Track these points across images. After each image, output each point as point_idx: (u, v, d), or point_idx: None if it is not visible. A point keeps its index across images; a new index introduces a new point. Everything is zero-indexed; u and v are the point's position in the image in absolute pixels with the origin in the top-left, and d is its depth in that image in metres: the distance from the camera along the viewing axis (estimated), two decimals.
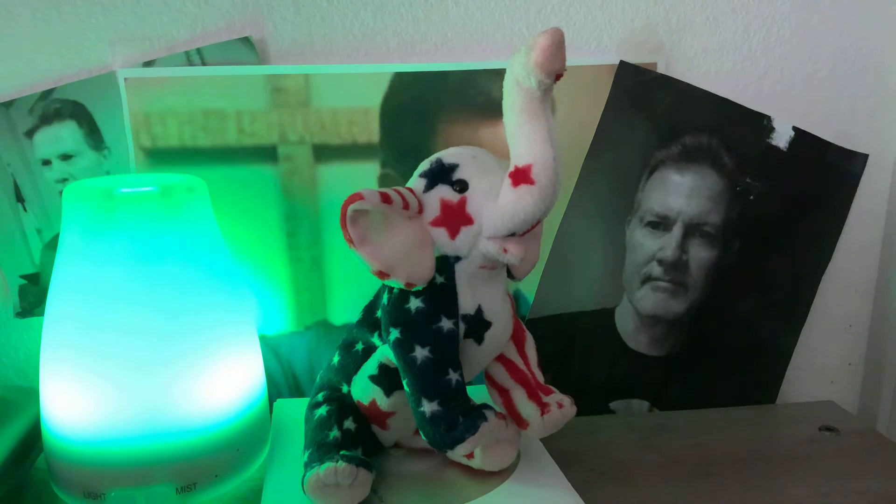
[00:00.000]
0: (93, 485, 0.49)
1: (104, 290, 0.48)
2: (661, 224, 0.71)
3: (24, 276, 0.66)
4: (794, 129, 0.70)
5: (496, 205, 0.46)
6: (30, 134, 0.64)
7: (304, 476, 0.47)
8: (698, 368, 0.75)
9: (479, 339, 0.50)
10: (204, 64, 0.64)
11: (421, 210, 0.48)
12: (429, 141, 0.67)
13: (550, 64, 0.42)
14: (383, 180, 0.67)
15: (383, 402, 0.51)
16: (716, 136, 0.70)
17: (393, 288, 0.49)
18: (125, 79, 0.63)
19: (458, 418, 0.47)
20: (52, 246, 0.65)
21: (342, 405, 0.52)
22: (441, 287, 0.48)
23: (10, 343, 0.68)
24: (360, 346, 0.52)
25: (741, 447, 0.65)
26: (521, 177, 0.45)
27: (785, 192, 0.72)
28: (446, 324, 0.48)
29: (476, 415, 0.47)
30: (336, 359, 0.54)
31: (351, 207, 0.45)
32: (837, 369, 0.79)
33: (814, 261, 0.74)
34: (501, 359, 0.53)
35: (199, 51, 0.64)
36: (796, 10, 0.70)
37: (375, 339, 0.51)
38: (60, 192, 0.57)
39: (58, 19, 0.62)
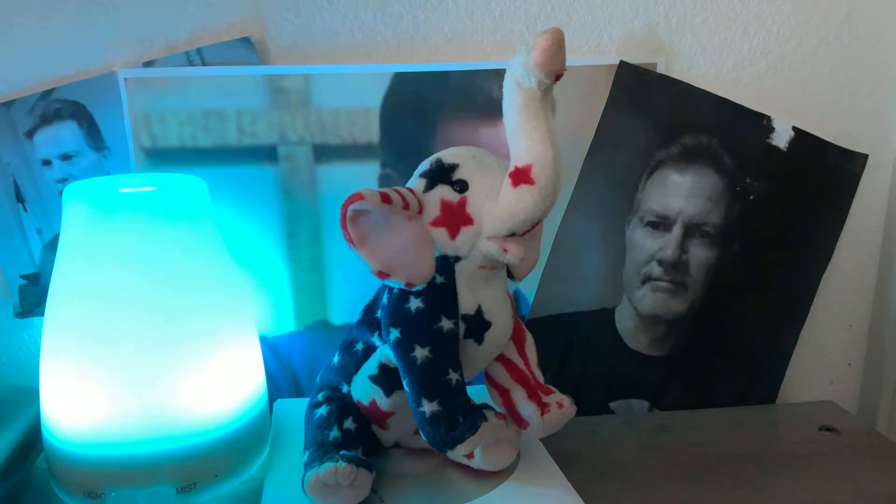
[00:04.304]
0: (93, 485, 0.49)
1: (104, 290, 0.48)
2: (661, 224, 0.71)
3: (24, 276, 0.66)
4: (794, 129, 0.70)
5: (496, 205, 0.46)
6: (30, 134, 0.64)
7: (304, 476, 0.47)
8: (698, 368, 0.75)
9: (479, 339, 0.50)
10: (204, 64, 0.64)
11: (421, 210, 0.48)
12: (429, 141, 0.67)
13: (550, 64, 0.42)
14: (383, 180, 0.67)
15: (383, 402, 0.51)
16: (716, 136, 0.70)
17: (393, 288, 0.49)
18: (125, 79, 0.63)
19: (458, 418, 0.47)
20: (52, 246, 0.65)
21: (342, 405, 0.52)
22: (441, 287, 0.48)
23: (10, 343, 0.68)
24: (360, 346, 0.52)
25: (741, 447, 0.65)
26: (521, 177, 0.45)
27: (785, 192, 0.72)
28: (446, 324, 0.48)
29: (476, 415, 0.47)
30: (336, 359, 0.54)
31: (351, 207, 0.45)
32: (837, 369, 0.79)
33: (814, 261, 0.74)
34: (501, 359, 0.53)
35: (199, 51, 0.64)
36: (796, 10, 0.70)
37: (375, 339, 0.51)
38: (60, 192, 0.57)
39: (58, 19, 0.62)
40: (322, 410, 0.52)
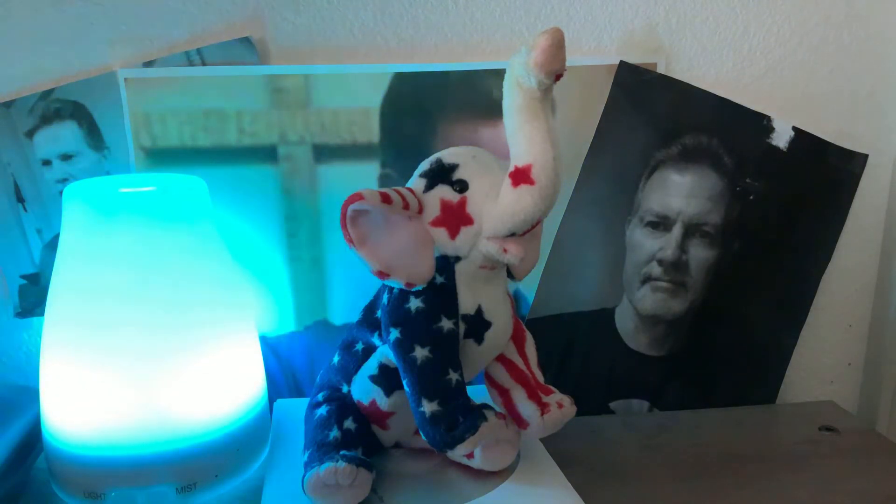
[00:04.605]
0: (93, 485, 0.49)
1: (104, 290, 0.48)
2: (661, 224, 0.71)
3: (24, 276, 0.66)
4: (794, 129, 0.70)
5: (496, 205, 0.46)
6: (30, 134, 0.64)
7: (304, 476, 0.47)
8: (698, 368, 0.75)
9: (479, 339, 0.50)
10: (204, 64, 0.64)
11: (421, 210, 0.48)
12: (429, 141, 0.67)
13: (550, 64, 0.42)
14: (383, 180, 0.67)
15: (383, 402, 0.51)
16: (716, 136, 0.70)
17: (393, 288, 0.49)
18: (125, 79, 0.63)
19: (458, 418, 0.47)
20: (52, 246, 0.65)
21: (342, 405, 0.52)
22: (441, 287, 0.48)
23: (10, 343, 0.68)
24: (360, 346, 0.52)
25: (741, 447, 0.65)
26: (521, 177, 0.45)
27: (785, 192, 0.72)
28: (446, 324, 0.48)
29: (476, 415, 0.47)
30: (336, 359, 0.54)
31: (351, 207, 0.45)
32: (837, 369, 0.79)
33: (814, 261, 0.74)
34: (501, 359, 0.53)
35: (199, 51, 0.64)
36: (796, 10, 0.70)
37: (375, 339, 0.51)
38: (60, 192, 0.57)
39: (58, 19, 0.62)
40: (322, 410, 0.52)
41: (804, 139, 0.71)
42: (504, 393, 0.53)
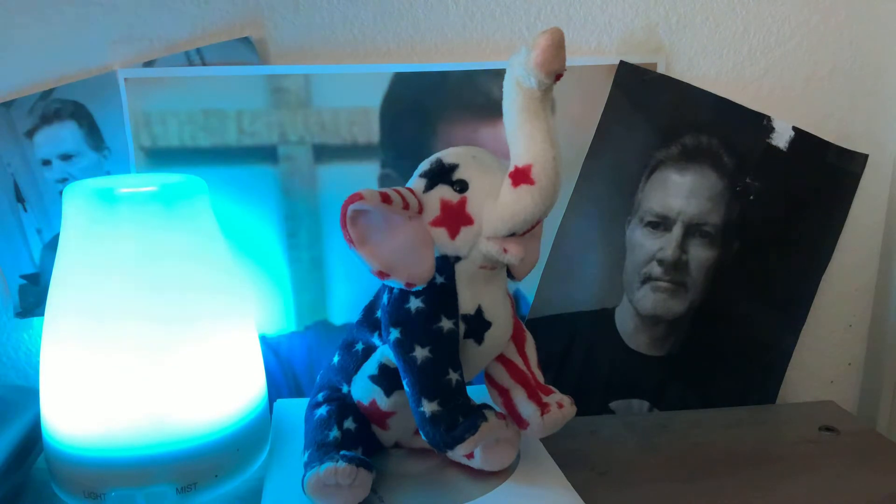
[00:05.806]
0: (93, 485, 0.49)
1: (104, 290, 0.48)
2: (660, 224, 0.71)
3: (24, 276, 0.66)
4: (794, 129, 0.70)
5: (496, 205, 0.46)
6: (30, 134, 0.64)
7: (304, 476, 0.47)
8: (698, 368, 0.75)
9: (479, 340, 0.50)
10: (204, 64, 0.64)
11: (421, 210, 0.48)
12: (429, 141, 0.67)
13: (550, 64, 0.42)
14: (383, 180, 0.67)
15: (383, 402, 0.51)
16: (716, 136, 0.70)
17: (393, 288, 0.49)
18: (125, 79, 0.63)
19: (458, 418, 0.47)
20: (52, 246, 0.65)
21: (342, 405, 0.52)
22: (441, 287, 0.48)
23: (10, 343, 0.68)
24: (360, 346, 0.52)
25: (741, 447, 0.65)
26: (521, 177, 0.45)
27: (785, 192, 0.72)
28: (446, 324, 0.48)
29: (476, 415, 0.47)
30: (336, 359, 0.54)
31: (351, 207, 0.45)
32: (837, 369, 0.79)
33: (814, 261, 0.74)
34: (501, 359, 0.53)
35: (199, 51, 0.64)
36: (796, 10, 0.70)
37: (375, 339, 0.51)
38: (60, 192, 0.57)
39: (58, 19, 0.62)
40: (322, 410, 0.52)
41: (804, 139, 0.71)
42: (504, 393, 0.53)
